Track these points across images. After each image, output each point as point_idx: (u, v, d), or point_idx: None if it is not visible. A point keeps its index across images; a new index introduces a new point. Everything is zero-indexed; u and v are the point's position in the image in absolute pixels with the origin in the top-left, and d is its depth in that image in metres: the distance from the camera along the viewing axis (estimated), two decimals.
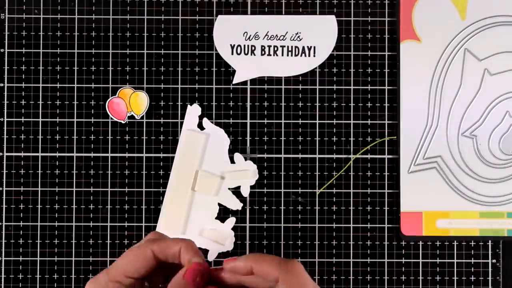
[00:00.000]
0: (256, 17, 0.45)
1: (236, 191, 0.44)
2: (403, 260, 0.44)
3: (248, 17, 0.45)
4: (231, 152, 0.44)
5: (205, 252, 0.43)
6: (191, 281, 0.31)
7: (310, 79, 0.45)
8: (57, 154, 0.44)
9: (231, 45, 0.44)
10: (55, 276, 0.44)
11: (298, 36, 0.44)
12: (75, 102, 0.44)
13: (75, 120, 0.44)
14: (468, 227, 0.44)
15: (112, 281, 0.31)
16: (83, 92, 0.44)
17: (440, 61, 0.44)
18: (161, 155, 0.44)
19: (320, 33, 0.44)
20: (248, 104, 0.45)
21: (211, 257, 0.43)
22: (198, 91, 0.45)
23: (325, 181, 0.44)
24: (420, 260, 0.44)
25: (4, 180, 0.44)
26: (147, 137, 0.44)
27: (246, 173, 0.44)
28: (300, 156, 0.44)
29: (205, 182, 0.43)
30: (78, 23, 0.45)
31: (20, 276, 0.44)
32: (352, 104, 0.45)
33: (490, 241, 0.44)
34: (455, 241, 0.44)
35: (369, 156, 0.44)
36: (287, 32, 0.44)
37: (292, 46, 0.44)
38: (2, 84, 0.44)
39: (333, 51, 0.44)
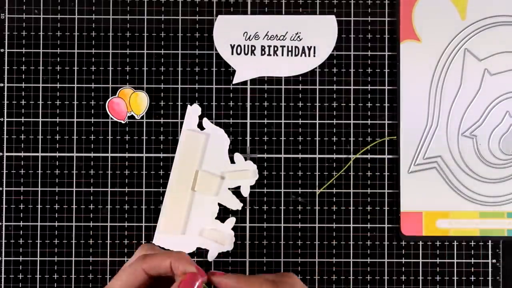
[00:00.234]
0: (256, 17, 0.45)
1: (236, 191, 0.44)
2: (403, 260, 0.44)
3: (248, 17, 0.45)
4: (231, 152, 0.44)
5: (205, 252, 0.43)
6: None
7: (310, 79, 0.45)
8: (57, 154, 0.44)
9: (231, 45, 0.44)
10: (55, 276, 0.44)
11: (298, 36, 0.44)
12: (75, 102, 0.44)
13: (75, 120, 0.44)
14: (468, 227, 0.44)
15: None
16: (83, 92, 0.44)
17: (440, 61, 0.44)
18: (161, 155, 0.44)
19: (320, 33, 0.44)
20: (248, 104, 0.45)
21: (211, 257, 0.43)
22: (198, 91, 0.45)
23: (325, 181, 0.44)
24: (420, 260, 0.44)
25: (4, 180, 0.44)
26: (147, 137, 0.44)
27: (246, 173, 0.44)
28: (300, 156, 0.44)
29: (205, 182, 0.43)
30: (78, 23, 0.45)
31: (20, 276, 0.44)
32: (352, 104, 0.45)
33: (490, 241, 0.44)
34: (455, 241, 0.44)
35: (369, 156, 0.44)
36: (287, 32, 0.44)
37: (292, 46, 0.44)
38: (2, 84, 0.44)
39: (333, 51, 0.44)
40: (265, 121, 0.45)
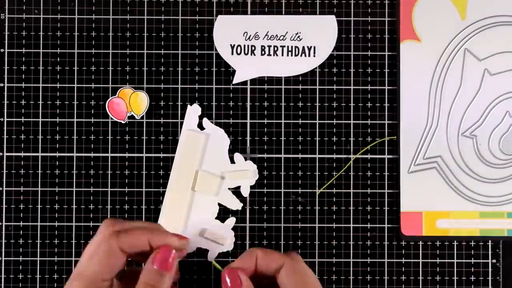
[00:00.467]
0: (256, 17, 0.45)
1: (236, 191, 0.44)
2: (403, 260, 0.44)
3: (248, 17, 0.45)
4: (231, 152, 0.44)
5: (205, 252, 0.43)
6: (162, 267, 0.31)
7: (310, 79, 0.45)
8: (57, 154, 0.44)
9: (231, 45, 0.44)
10: (55, 276, 0.44)
11: (298, 36, 0.44)
12: (75, 102, 0.44)
13: (75, 120, 0.44)
14: (468, 227, 0.44)
15: None
16: (83, 92, 0.44)
17: (440, 61, 0.44)
18: (161, 155, 0.44)
19: (320, 33, 0.44)
20: (248, 104, 0.45)
21: (211, 257, 0.43)
22: (198, 91, 0.45)
23: (325, 181, 0.44)
24: (420, 260, 0.44)
25: (4, 180, 0.44)
26: (147, 137, 0.44)
27: (246, 173, 0.44)
28: (300, 156, 0.44)
29: (205, 182, 0.43)
30: (78, 23, 0.45)
31: (20, 276, 0.44)
32: (352, 104, 0.45)
33: (490, 241, 0.44)
34: (455, 241, 0.44)
35: (369, 156, 0.44)
36: (287, 32, 0.44)
37: (292, 46, 0.44)
38: (2, 84, 0.44)
39: (333, 51, 0.44)
40: (265, 121, 0.45)
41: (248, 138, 0.44)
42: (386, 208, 0.44)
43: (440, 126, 0.44)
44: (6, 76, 0.44)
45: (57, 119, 0.44)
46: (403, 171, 0.44)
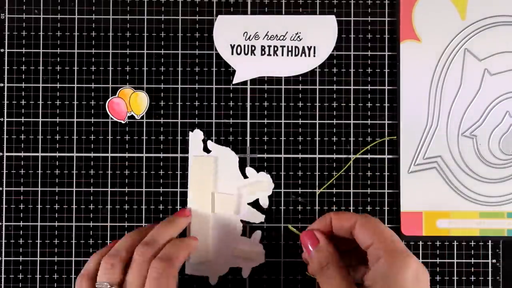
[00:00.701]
0: (256, 17, 0.45)
1: (255, 203, 0.44)
2: None
3: (248, 17, 0.45)
4: (240, 165, 0.44)
5: (238, 270, 0.43)
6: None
7: (310, 79, 0.45)
8: (57, 154, 0.44)
9: (231, 45, 0.44)
10: (55, 276, 0.44)
11: (298, 36, 0.44)
12: (75, 102, 0.44)
13: (75, 120, 0.44)
14: (468, 227, 0.44)
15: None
16: (83, 92, 0.44)
17: (440, 61, 0.44)
18: (161, 155, 0.44)
19: (320, 33, 0.44)
20: (248, 104, 0.45)
21: (245, 274, 0.43)
22: (198, 91, 0.45)
23: (325, 181, 0.44)
24: (420, 260, 0.44)
25: (4, 180, 0.44)
26: (147, 137, 0.44)
27: (261, 185, 0.44)
28: (300, 156, 0.44)
29: (223, 203, 0.43)
30: (78, 23, 0.45)
31: (20, 276, 0.44)
32: (352, 104, 0.45)
33: (490, 241, 0.44)
34: (455, 241, 0.44)
35: (369, 156, 0.44)
36: (287, 32, 0.44)
37: (292, 46, 0.44)
38: (2, 84, 0.44)
39: (333, 51, 0.44)
40: (265, 121, 0.45)
41: (248, 138, 0.44)
42: (386, 208, 0.44)
43: (440, 126, 0.44)
44: (6, 76, 0.44)
45: (57, 119, 0.44)
46: (403, 171, 0.44)
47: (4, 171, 0.44)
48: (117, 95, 0.44)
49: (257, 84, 0.45)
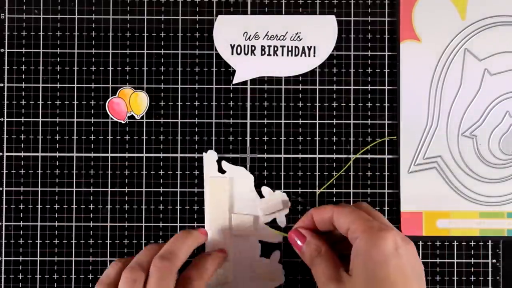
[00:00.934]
0: (256, 17, 0.45)
1: (273, 222, 0.44)
2: None
3: (248, 17, 0.45)
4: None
5: None
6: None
7: (310, 79, 0.45)
8: (57, 154, 0.44)
9: (231, 45, 0.44)
10: (55, 276, 0.44)
11: (298, 36, 0.44)
12: (75, 102, 0.44)
13: (75, 120, 0.44)
14: (468, 227, 0.44)
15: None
16: (83, 92, 0.44)
17: (440, 61, 0.44)
18: (161, 155, 0.44)
19: (320, 33, 0.44)
20: (248, 104, 0.45)
21: None
22: (198, 91, 0.45)
23: (325, 181, 0.44)
24: (420, 260, 0.44)
25: (4, 180, 0.44)
26: (147, 137, 0.44)
27: (278, 205, 0.43)
28: (300, 156, 0.44)
29: (241, 225, 0.43)
30: (78, 23, 0.45)
31: (20, 276, 0.44)
32: (352, 104, 0.45)
33: (490, 241, 0.44)
34: (455, 241, 0.44)
35: (369, 156, 0.44)
36: (287, 32, 0.44)
37: (292, 46, 0.44)
38: (2, 84, 0.44)
39: (333, 51, 0.44)
40: (265, 121, 0.45)
41: (248, 138, 0.44)
42: (386, 208, 0.44)
43: (440, 126, 0.44)
44: (6, 76, 0.44)
45: (57, 119, 0.44)
46: (403, 171, 0.44)
47: (4, 171, 0.44)
48: (117, 95, 0.44)
49: (257, 84, 0.45)
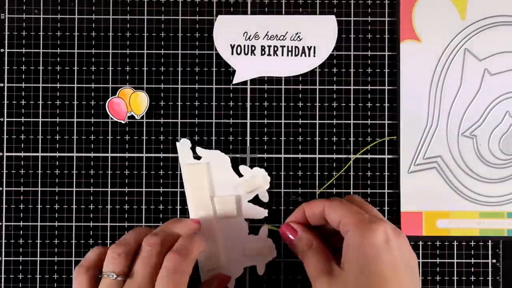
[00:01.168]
0: (256, 17, 0.45)
1: (255, 200, 0.44)
2: None
3: (248, 17, 0.45)
4: (235, 165, 0.44)
5: (254, 268, 0.43)
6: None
7: (310, 79, 0.45)
8: (57, 154, 0.44)
9: (231, 45, 0.44)
10: (55, 276, 0.44)
11: (298, 36, 0.44)
12: (75, 102, 0.44)
13: (75, 120, 0.44)
14: (468, 227, 0.44)
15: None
16: (83, 92, 0.44)
17: (440, 61, 0.44)
18: (161, 155, 0.44)
19: (320, 33, 0.44)
20: (248, 104, 0.45)
21: (261, 271, 0.43)
22: (198, 91, 0.45)
23: (325, 181, 0.44)
24: (420, 260, 0.44)
25: (4, 180, 0.44)
26: (147, 137, 0.44)
27: (257, 181, 0.43)
28: (300, 156, 0.44)
29: (224, 207, 0.43)
30: (78, 23, 0.45)
31: (20, 276, 0.44)
32: (352, 104, 0.45)
33: (490, 241, 0.44)
34: (455, 241, 0.44)
35: (369, 156, 0.44)
36: (287, 32, 0.44)
37: (292, 46, 0.44)
38: (2, 84, 0.44)
39: (333, 51, 0.44)
40: (265, 121, 0.45)
41: (248, 138, 0.44)
42: (386, 208, 0.44)
43: (440, 126, 0.44)
44: (6, 76, 0.44)
45: (57, 119, 0.44)
46: (403, 171, 0.44)
47: (4, 171, 0.44)
48: (117, 95, 0.44)
49: (257, 84, 0.45)
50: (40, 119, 0.44)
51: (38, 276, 0.44)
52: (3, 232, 0.44)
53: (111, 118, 0.44)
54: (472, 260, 0.44)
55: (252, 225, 0.44)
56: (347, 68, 0.45)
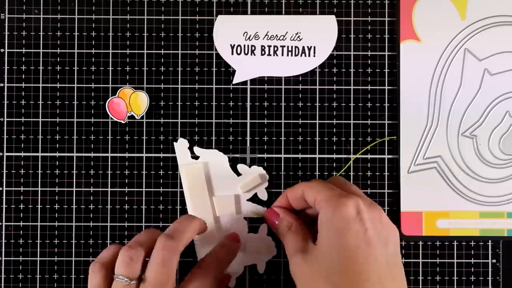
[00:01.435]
0: (256, 17, 0.45)
1: (254, 198, 0.44)
2: (403, 260, 0.44)
3: (248, 17, 0.45)
4: (233, 163, 0.44)
5: (254, 267, 0.44)
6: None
7: (310, 79, 0.45)
8: (57, 154, 0.44)
9: (231, 45, 0.44)
10: (55, 276, 0.44)
11: (298, 36, 0.44)
12: (75, 102, 0.44)
13: (75, 120, 0.44)
14: (468, 227, 0.44)
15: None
16: (83, 92, 0.44)
17: (440, 61, 0.44)
18: (161, 155, 0.44)
19: (320, 33, 0.44)
20: (248, 104, 0.45)
21: (261, 269, 0.43)
22: (198, 91, 0.45)
23: None
24: (420, 260, 0.44)
25: (4, 180, 0.44)
26: (147, 137, 0.44)
27: (256, 179, 0.43)
28: (300, 156, 0.44)
29: (223, 206, 0.43)
30: (78, 23, 0.45)
31: (20, 276, 0.44)
32: (352, 104, 0.45)
33: (490, 241, 0.44)
34: (455, 241, 0.44)
35: (369, 156, 0.44)
36: (287, 32, 0.44)
37: (292, 46, 0.44)
38: (2, 84, 0.44)
39: (333, 51, 0.44)
40: (265, 121, 0.45)
41: (248, 138, 0.44)
42: (386, 208, 0.44)
43: (440, 126, 0.44)
44: (6, 76, 0.44)
45: (57, 119, 0.44)
46: (403, 171, 0.44)
47: (4, 171, 0.44)
48: (117, 95, 0.44)
49: (257, 84, 0.45)
50: (40, 119, 0.44)
51: (38, 276, 0.44)
52: (3, 232, 0.44)
53: (111, 118, 0.44)
54: (472, 260, 0.44)
55: (251, 224, 0.44)
56: (347, 68, 0.45)
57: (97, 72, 0.44)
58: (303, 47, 0.44)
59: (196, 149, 0.44)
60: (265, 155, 0.44)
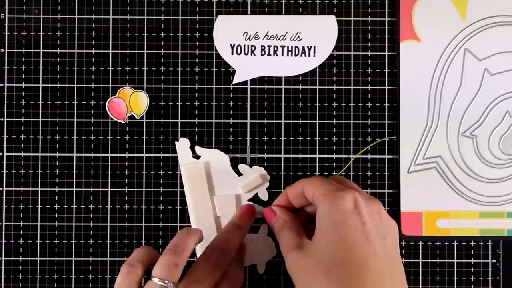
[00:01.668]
0: (256, 17, 0.45)
1: (255, 198, 0.44)
2: (403, 260, 0.44)
3: (248, 17, 0.45)
4: (232, 161, 0.44)
5: (254, 267, 0.44)
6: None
7: (310, 79, 0.45)
8: (57, 154, 0.44)
9: (231, 45, 0.44)
10: (55, 276, 0.44)
11: (298, 36, 0.44)
12: (75, 102, 0.44)
13: (75, 120, 0.44)
14: (468, 227, 0.44)
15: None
16: (83, 92, 0.44)
17: (440, 61, 0.44)
18: (161, 155, 0.44)
19: (320, 33, 0.44)
20: (248, 104, 0.45)
21: (261, 270, 0.43)
22: (198, 91, 0.45)
23: None
24: (420, 260, 0.44)
25: (4, 180, 0.44)
26: (147, 137, 0.44)
27: (257, 180, 0.43)
28: (300, 156, 0.44)
29: (224, 206, 0.43)
30: (78, 23, 0.45)
31: (20, 276, 0.44)
32: (352, 104, 0.45)
33: (490, 241, 0.44)
34: (455, 241, 0.44)
35: (369, 156, 0.44)
36: (287, 32, 0.44)
37: (292, 46, 0.44)
38: (2, 84, 0.44)
39: (333, 51, 0.44)
40: (265, 121, 0.45)
41: (248, 138, 0.44)
42: (386, 208, 0.44)
43: (440, 126, 0.44)
44: (6, 76, 0.44)
45: (57, 119, 0.44)
46: (403, 171, 0.44)
47: (4, 171, 0.44)
48: (117, 95, 0.44)
49: (257, 84, 0.45)
50: (40, 119, 0.44)
51: (38, 276, 0.44)
52: (3, 232, 0.44)
53: (111, 118, 0.44)
54: (472, 260, 0.44)
55: (251, 224, 0.44)
56: (347, 68, 0.45)
57: (97, 72, 0.44)
58: (303, 47, 0.44)
59: (198, 148, 0.44)
60: (265, 155, 0.44)
